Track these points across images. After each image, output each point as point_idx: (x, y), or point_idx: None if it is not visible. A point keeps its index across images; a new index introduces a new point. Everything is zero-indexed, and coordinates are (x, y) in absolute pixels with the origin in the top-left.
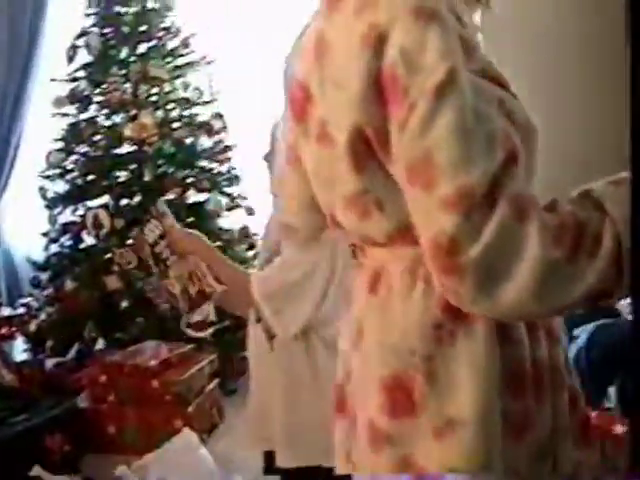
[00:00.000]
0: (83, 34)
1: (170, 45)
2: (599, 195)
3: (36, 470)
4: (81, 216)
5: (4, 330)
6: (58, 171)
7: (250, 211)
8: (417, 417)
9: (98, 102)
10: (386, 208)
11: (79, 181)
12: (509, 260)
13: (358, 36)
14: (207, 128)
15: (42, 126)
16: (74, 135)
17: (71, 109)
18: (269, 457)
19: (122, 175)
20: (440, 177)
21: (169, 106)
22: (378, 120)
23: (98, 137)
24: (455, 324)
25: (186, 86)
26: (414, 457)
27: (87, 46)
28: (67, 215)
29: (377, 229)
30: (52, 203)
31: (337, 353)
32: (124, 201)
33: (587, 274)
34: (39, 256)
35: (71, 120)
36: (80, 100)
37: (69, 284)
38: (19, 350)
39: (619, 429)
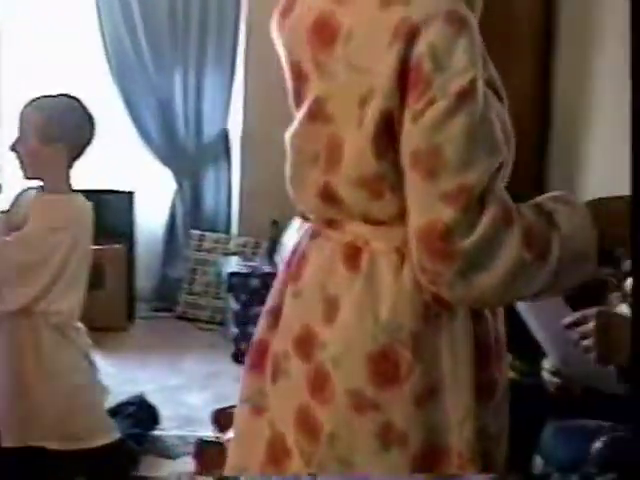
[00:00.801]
0: None
1: None
2: (550, 210)
3: None
4: None
5: None
6: None
7: None
8: (401, 387)
9: None
10: (398, 191)
11: None
12: (492, 255)
13: (389, 27)
14: None
15: None
16: None
17: None
18: None
19: None
20: (445, 171)
21: None
22: (401, 106)
23: None
24: (441, 305)
25: None
26: (396, 422)
27: None
28: None
29: (384, 209)
30: None
31: (63, 336)
32: None
33: (542, 275)
34: None
35: None
36: None
37: None
38: None
39: None
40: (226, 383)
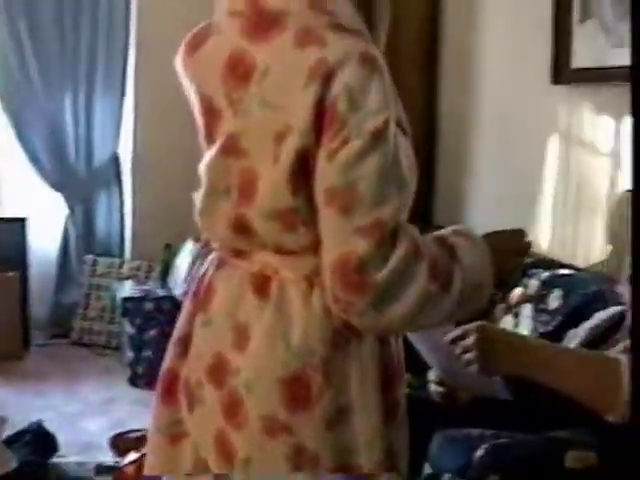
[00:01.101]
0: None
1: None
2: (452, 244)
3: None
4: None
5: None
6: None
7: None
8: (312, 410)
9: None
10: (310, 224)
11: None
12: (402, 287)
13: (305, 68)
14: None
15: None
16: None
17: None
18: None
19: None
20: (359, 206)
21: None
22: (317, 145)
23: None
24: (350, 331)
25: None
26: (307, 444)
27: None
28: None
29: (297, 240)
30: None
31: None
32: None
33: (445, 305)
34: None
35: None
36: None
37: None
38: None
39: None
40: (123, 408)
